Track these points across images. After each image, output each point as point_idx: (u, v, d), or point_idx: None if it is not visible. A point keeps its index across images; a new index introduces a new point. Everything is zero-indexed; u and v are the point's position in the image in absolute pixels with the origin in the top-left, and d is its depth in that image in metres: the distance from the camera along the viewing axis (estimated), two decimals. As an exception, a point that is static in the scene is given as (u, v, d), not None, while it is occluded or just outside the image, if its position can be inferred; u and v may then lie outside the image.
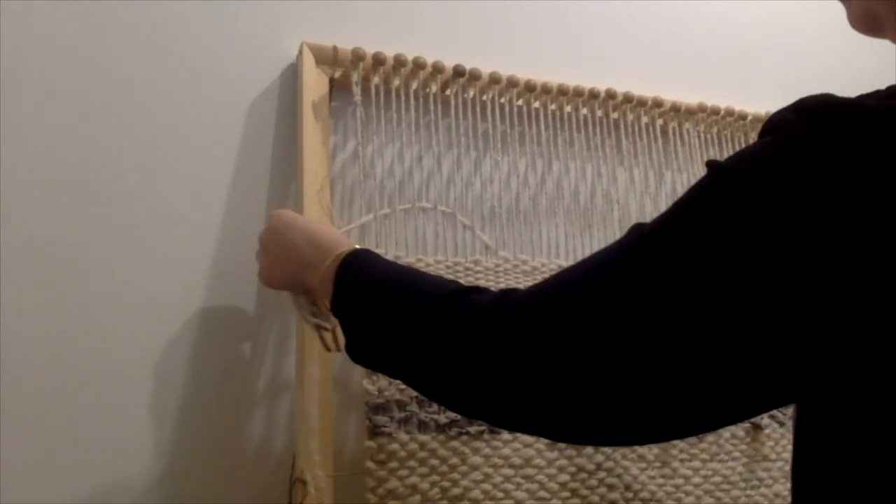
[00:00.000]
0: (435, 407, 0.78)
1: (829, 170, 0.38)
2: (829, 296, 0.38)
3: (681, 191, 1.05)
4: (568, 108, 0.99)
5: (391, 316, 0.55)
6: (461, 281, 0.85)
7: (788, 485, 0.91)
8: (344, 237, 0.71)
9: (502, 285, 0.87)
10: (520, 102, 0.97)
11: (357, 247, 0.65)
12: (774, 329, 0.39)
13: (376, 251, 0.68)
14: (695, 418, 0.44)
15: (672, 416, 0.43)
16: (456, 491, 0.77)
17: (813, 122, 0.40)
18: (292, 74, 0.90)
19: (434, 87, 0.91)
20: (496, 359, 0.47)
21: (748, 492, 0.89)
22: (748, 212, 0.40)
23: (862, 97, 0.41)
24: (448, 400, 0.54)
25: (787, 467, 0.92)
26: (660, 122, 1.05)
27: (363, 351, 0.60)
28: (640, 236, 0.45)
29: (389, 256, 0.84)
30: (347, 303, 0.61)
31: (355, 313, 0.60)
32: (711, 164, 0.43)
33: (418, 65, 0.88)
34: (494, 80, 0.92)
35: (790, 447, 0.83)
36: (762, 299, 0.39)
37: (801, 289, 0.38)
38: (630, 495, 0.83)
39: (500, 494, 0.79)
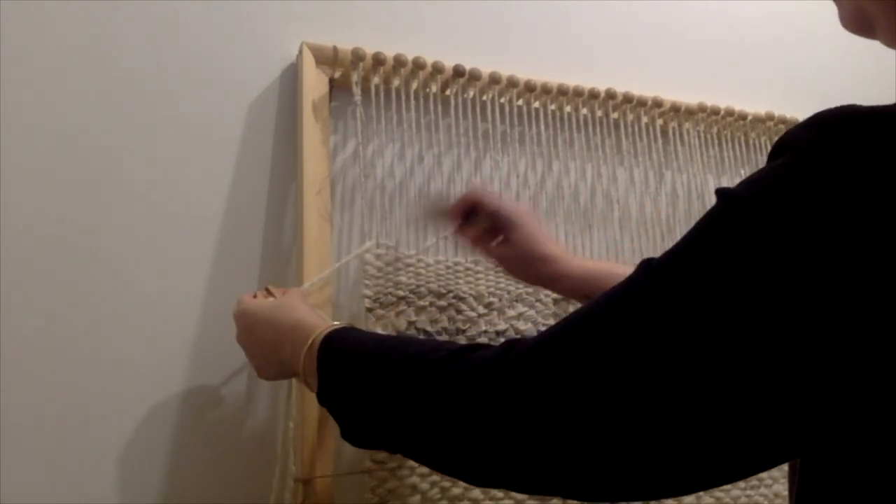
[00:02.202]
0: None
1: (846, 190, 0.35)
2: (856, 331, 0.35)
3: (681, 191, 1.05)
4: (568, 108, 0.99)
5: (388, 389, 0.52)
6: (461, 283, 0.86)
7: (788, 485, 0.91)
8: (311, 313, 0.66)
9: (502, 285, 0.87)
10: (520, 102, 0.97)
11: (328, 328, 0.61)
12: (798, 365, 0.36)
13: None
14: (724, 466, 0.40)
15: (703, 466, 0.40)
16: (456, 491, 0.78)
17: (826, 138, 0.37)
18: (292, 74, 0.90)
19: (434, 87, 0.91)
20: (511, 413, 0.43)
21: (748, 492, 0.89)
22: (762, 241, 0.37)
23: (885, 105, 0.38)
24: (464, 468, 0.49)
25: (787, 467, 0.92)
26: (660, 122, 1.05)
27: (363, 433, 0.56)
28: (648, 272, 0.42)
29: (390, 257, 0.84)
30: (337, 387, 0.57)
31: (348, 395, 0.56)
32: (721, 193, 0.40)
33: (418, 65, 0.88)
34: (494, 80, 0.92)
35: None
36: (781, 333, 0.36)
37: (825, 323, 0.35)
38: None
39: (500, 494, 0.79)
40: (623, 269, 0.75)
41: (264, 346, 0.68)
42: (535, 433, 0.42)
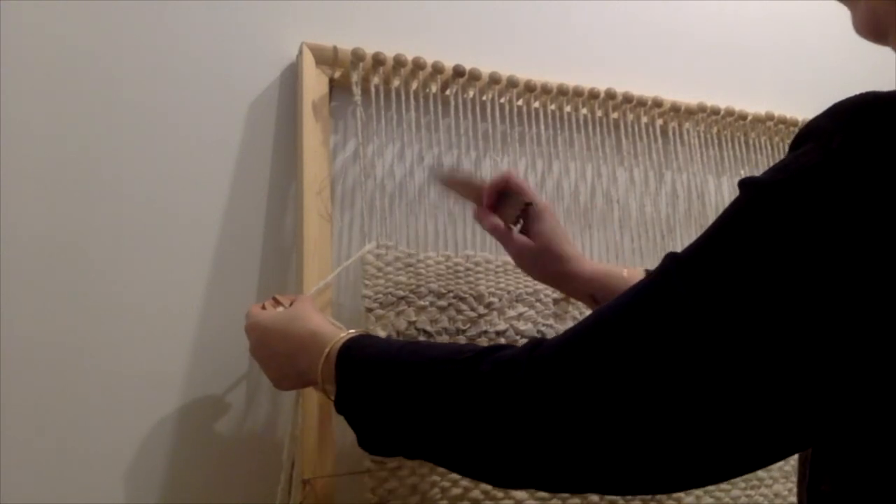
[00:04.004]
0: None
1: (872, 173, 0.35)
2: (889, 315, 0.35)
3: (681, 191, 1.05)
4: (568, 108, 0.99)
5: (414, 393, 0.51)
6: (461, 283, 0.86)
7: (788, 485, 0.92)
8: (325, 323, 0.65)
9: (502, 285, 0.87)
10: (520, 102, 0.97)
11: (346, 336, 0.61)
12: (829, 353, 0.36)
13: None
14: (755, 454, 0.40)
15: (736, 455, 0.40)
16: (456, 491, 0.77)
17: (849, 124, 0.37)
18: (292, 74, 0.90)
19: (434, 88, 0.91)
20: (544, 409, 0.43)
21: (748, 492, 0.89)
22: (793, 225, 0.37)
23: None
24: (494, 468, 0.48)
25: (787, 467, 0.92)
26: (660, 122, 1.05)
27: (383, 439, 0.55)
28: (679, 265, 0.41)
29: (390, 257, 0.84)
30: (356, 395, 0.56)
31: (368, 402, 0.55)
32: (746, 182, 0.40)
33: (418, 65, 0.88)
34: (494, 80, 0.92)
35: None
36: (818, 320, 0.36)
37: (856, 310, 0.35)
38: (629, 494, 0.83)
39: (501, 494, 0.79)
40: (628, 271, 0.76)
41: (280, 358, 0.67)
42: (569, 430, 0.42)
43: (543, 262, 0.76)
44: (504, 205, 0.78)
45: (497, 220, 0.78)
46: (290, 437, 0.77)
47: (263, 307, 0.73)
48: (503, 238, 0.79)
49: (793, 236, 0.37)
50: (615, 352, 0.41)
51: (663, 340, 0.39)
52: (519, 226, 0.78)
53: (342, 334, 0.61)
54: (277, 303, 0.73)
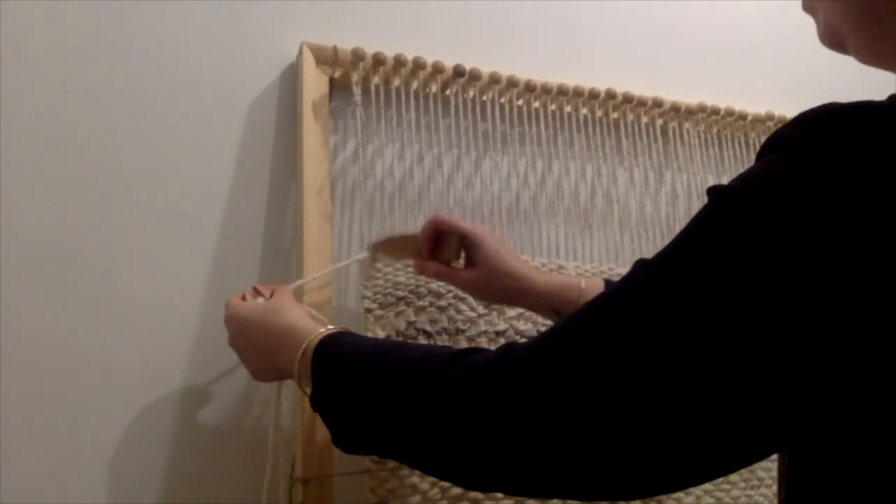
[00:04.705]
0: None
1: (841, 179, 0.36)
2: (853, 320, 0.35)
3: (681, 191, 1.05)
4: (568, 108, 0.99)
5: (385, 393, 0.52)
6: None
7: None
8: (303, 317, 0.65)
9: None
10: (520, 102, 0.97)
11: (323, 332, 0.61)
12: (799, 356, 0.36)
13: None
14: (723, 458, 0.41)
15: (703, 460, 0.40)
16: (456, 491, 0.77)
17: (817, 132, 0.38)
18: (292, 74, 0.90)
19: (434, 87, 0.91)
20: (514, 414, 0.43)
21: (748, 492, 0.89)
22: (761, 232, 0.37)
23: (863, 101, 0.39)
24: (463, 471, 0.48)
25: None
26: (660, 122, 1.05)
27: (356, 438, 0.56)
28: (648, 271, 0.42)
29: (390, 259, 0.84)
30: (331, 392, 0.57)
31: (342, 400, 0.56)
32: (714, 190, 0.41)
33: (418, 65, 0.88)
34: (494, 80, 0.92)
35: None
36: (783, 325, 0.36)
37: (823, 314, 0.35)
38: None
39: (500, 494, 0.79)
40: (586, 282, 0.76)
41: (258, 351, 0.67)
42: (540, 434, 0.42)
43: (493, 284, 0.76)
44: (441, 245, 0.79)
45: (436, 266, 0.78)
46: (273, 427, 0.76)
47: (244, 297, 0.72)
48: (448, 277, 0.79)
49: (763, 243, 0.37)
50: (586, 357, 0.41)
51: (633, 346, 0.40)
52: (462, 260, 0.79)
53: (321, 329, 0.61)
54: (258, 293, 0.73)
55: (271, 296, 0.71)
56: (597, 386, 0.40)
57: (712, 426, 0.39)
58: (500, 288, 0.76)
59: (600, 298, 0.44)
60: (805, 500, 0.44)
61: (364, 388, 0.53)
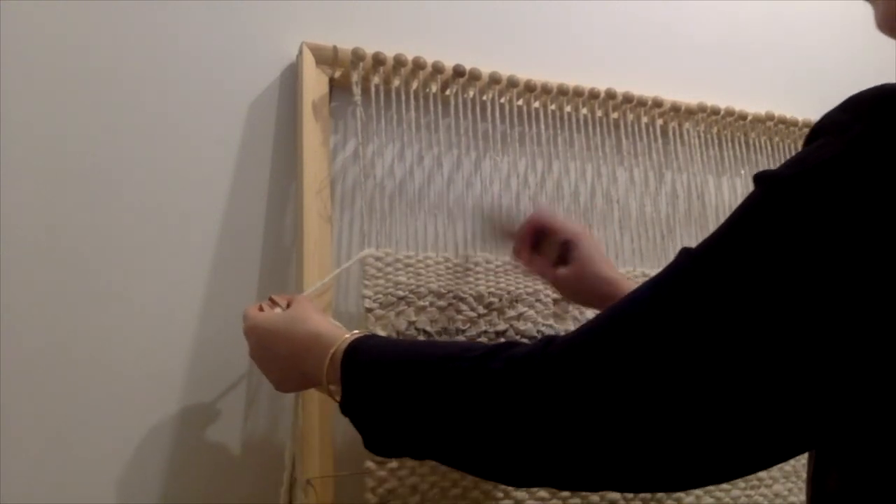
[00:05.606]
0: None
1: (889, 164, 0.35)
2: None
3: (681, 191, 1.05)
4: (568, 108, 0.99)
5: (423, 392, 0.50)
6: (461, 283, 0.86)
7: (788, 485, 0.92)
8: (327, 324, 0.65)
9: (502, 285, 0.87)
10: (520, 102, 0.97)
11: (349, 338, 0.60)
12: (846, 347, 0.35)
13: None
14: (768, 449, 0.40)
15: (753, 451, 0.40)
16: (456, 491, 0.77)
17: (867, 115, 0.37)
18: (292, 74, 0.90)
19: (434, 87, 0.91)
20: (561, 407, 0.42)
21: (748, 492, 0.89)
22: (811, 218, 0.36)
23: None
24: (508, 468, 0.48)
25: (787, 467, 0.92)
26: (660, 122, 1.05)
27: (391, 440, 0.55)
28: (695, 259, 0.41)
29: (390, 259, 0.84)
30: (363, 396, 0.55)
31: (375, 403, 0.54)
32: (761, 176, 0.40)
33: (418, 65, 0.88)
34: (494, 80, 0.92)
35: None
36: (826, 315, 0.36)
37: (871, 305, 0.35)
38: (630, 494, 0.83)
39: (501, 494, 0.79)
40: None
41: (282, 360, 0.66)
42: (589, 426, 0.42)
43: (585, 286, 0.78)
44: (543, 244, 0.81)
45: (544, 266, 0.81)
46: (291, 437, 0.77)
47: (261, 308, 0.72)
48: (543, 276, 0.82)
49: (810, 230, 0.36)
50: (632, 346, 0.41)
51: (679, 335, 0.39)
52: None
53: (346, 335, 0.61)
54: (274, 303, 0.72)
55: (288, 305, 0.71)
56: (645, 376, 0.40)
57: (764, 416, 0.38)
58: (592, 290, 0.78)
59: (644, 287, 0.43)
60: (837, 486, 0.43)
61: (399, 388, 0.52)
